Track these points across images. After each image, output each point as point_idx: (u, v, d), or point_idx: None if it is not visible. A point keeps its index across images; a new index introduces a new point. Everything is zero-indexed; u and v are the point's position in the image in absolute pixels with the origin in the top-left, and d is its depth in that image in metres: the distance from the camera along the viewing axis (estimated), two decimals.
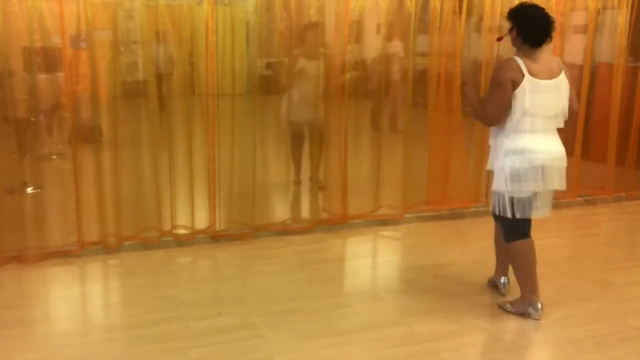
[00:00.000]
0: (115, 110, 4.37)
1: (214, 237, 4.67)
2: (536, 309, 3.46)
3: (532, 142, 3.30)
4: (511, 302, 3.59)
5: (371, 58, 5.19)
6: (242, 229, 4.73)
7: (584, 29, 5.69)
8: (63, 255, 4.26)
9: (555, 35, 5.36)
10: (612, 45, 5.82)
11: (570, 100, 3.41)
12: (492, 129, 3.47)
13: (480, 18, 5.28)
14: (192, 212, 4.60)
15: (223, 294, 3.82)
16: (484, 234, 5.06)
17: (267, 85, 5.03)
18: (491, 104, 3.34)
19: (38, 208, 4.39)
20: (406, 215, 5.20)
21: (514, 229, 3.44)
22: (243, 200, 4.76)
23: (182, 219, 4.61)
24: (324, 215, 5.06)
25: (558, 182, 3.37)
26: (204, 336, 3.26)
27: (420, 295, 3.82)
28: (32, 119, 4.33)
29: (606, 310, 3.67)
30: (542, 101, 3.28)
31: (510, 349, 3.25)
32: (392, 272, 4.33)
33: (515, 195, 3.33)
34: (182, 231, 4.60)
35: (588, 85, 5.69)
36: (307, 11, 4.77)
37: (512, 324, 3.47)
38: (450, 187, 5.37)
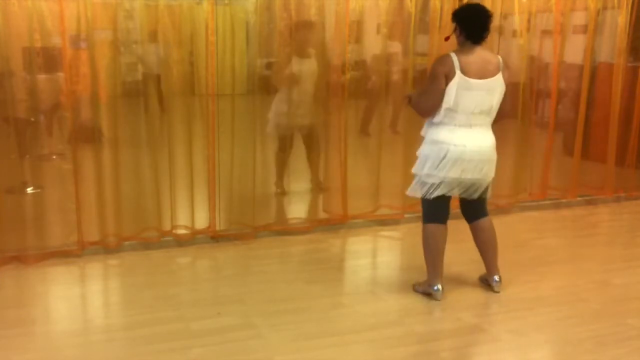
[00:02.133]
0: (115, 110, 4.37)
1: (214, 237, 4.67)
2: (437, 290, 3.69)
3: (451, 135, 3.52)
4: (419, 283, 3.83)
5: (371, 58, 5.19)
6: (242, 229, 4.73)
7: (584, 29, 5.69)
8: (63, 255, 4.26)
9: (555, 35, 5.44)
10: (612, 45, 5.82)
11: (505, 101, 3.62)
12: (426, 121, 3.68)
13: None
14: (192, 212, 4.60)
15: (223, 294, 3.82)
16: None
17: (267, 85, 5.03)
18: (426, 96, 3.57)
19: (38, 208, 4.40)
20: (406, 215, 5.20)
21: (429, 212, 3.70)
22: (243, 200, 4.76)
23: (182, 219, 4.61)
24: (324, 215, 5.06)
25: (477, 173, 3.58)
26: (204, 336, 3.26)
27: (420, 295, 3.82)
28: (32, 119, 4.34)
29: (606, 310, 3.67)
30: (470, 98, 3.47)
31: (510, 349, 3.25)
32: (392, 272, 4.33)
33: (426, 180, 3.61)
34: (182, 231, 4.61)
35: (588, 85, 5.69)
36: (307, 11, 4.77)
37: (512, 324, 3.47)
38: None
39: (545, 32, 5.56)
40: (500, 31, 5.39)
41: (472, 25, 3.52)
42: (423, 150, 3.64)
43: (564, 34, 5.49)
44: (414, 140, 5.19)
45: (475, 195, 3.71)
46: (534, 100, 5.65)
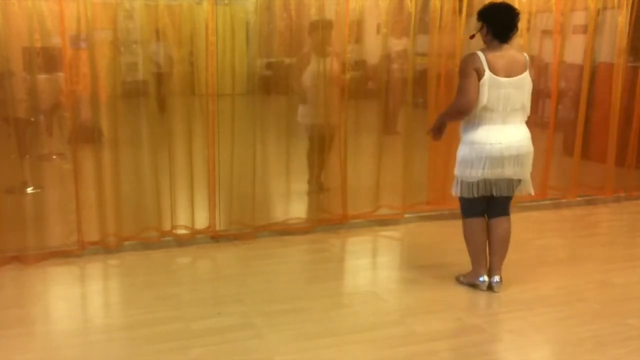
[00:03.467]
0: (115, 110, 4.37)
1: (214, 237, 4.67)
2: (482, 281, 3.80)
3: (485, 134, 3.59)
4: (464, 275, 3.92)
5: (371, 58, 5.18)
6: (242, 229, 4.73)
7: (584, 29, 5.69)
8: (63, 255, 4.26)
9: (555, 35, 5.44)
10: (612, 45, 5.82)
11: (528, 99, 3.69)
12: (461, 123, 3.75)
13: None
14: (192, 212, 4.60)
15: (223, 294, 3.82)
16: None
17: (267, 85, 5.02)
18: (464, 91, 3.57)
19: (38, 208, 4.40)
20: (406, 215, 5.20)
21: (467, 208, 3.81)
22: (243, 200, 4.76)
23: (182, 219, 4.61)
24: (324, 215, 5.06)
25: (512, 171, 3.64)
26: (204, 336, 3.26)
27: (420, 295, 3.82)
28: (32, 119, 4.33)
29: (606, 310, 3.67)
30: (501, 96, 3.55)
31: (510, 349, 3.25)
32: (392, 272, 4.33)
33: (464, 180, 3.69)
34: (182, 231, 4.61)
35: (588, 85, 5.69)
36: (307, 11, 4.77)
37: (512, 324, 3.47)
38: (451, 187, 5.35)
39: (545, 32, 5.56)
40: None
41: (500, 24, 3.56)
42: (460, 151, 3.70)
43: (564, 34, 5.49)
44: (414, 140, 5.23)
45: (509, 193, 3.76)
46: (533, 100, 5.64)
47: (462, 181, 3.71)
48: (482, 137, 3.59)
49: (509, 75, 3.56)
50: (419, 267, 4.29)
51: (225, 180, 4.70)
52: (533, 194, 3.89)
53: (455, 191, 3.80)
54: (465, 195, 3.72)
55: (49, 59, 4.13)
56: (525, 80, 3.61)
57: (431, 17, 5.05)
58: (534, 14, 5.40)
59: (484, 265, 3.83)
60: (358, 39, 4.96)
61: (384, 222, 5.12)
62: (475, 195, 3.70)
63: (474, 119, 3.61)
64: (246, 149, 4.71)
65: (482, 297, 3.80)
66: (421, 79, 5.23)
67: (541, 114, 6.06)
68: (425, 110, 5.24)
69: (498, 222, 3.82)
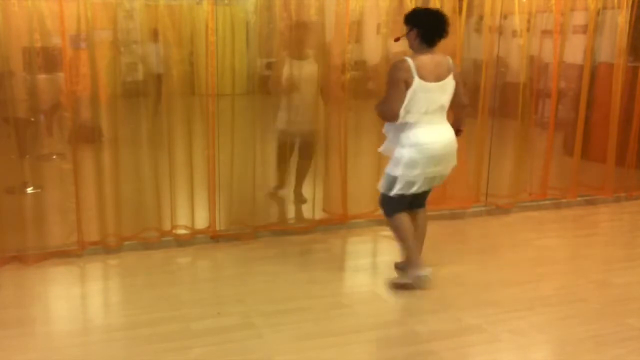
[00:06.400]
0: (115, 110, 4.37)
1: (214, 237, 4.67)
2: (420, 274, 3.81)
3: (424, 135, 3.68)
4: (402, 274, 3.96)
5: (371, 58, 5.18)
6: (242, 229, 4.73)
7: (584, 29, 5.69)
8: (63, 255, 4.26)
9: (555, 35, 5.43)
10: (612, 45, 5.82)
11: (459, 95, 3.81)
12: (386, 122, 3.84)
13: (480, 18, 5.28)
14: (192, 212, 4.60)
15: (223, 294, 3.82)
16: (484, 234, 5.08)
17: (267, 85, 5.02)
18: (389, 101, 3.66)
19: (38, 208, 4.39)
20: None
21: (396, 205, 3.85)
22: (243, 200, 4.76)
23: (182, 219, 4.61)
24: (324, 215, 5.06)
25: (447, 164, 3.81)
26: (204, 336, 3.26)
27: (420, 295, 3.82)
28: (32, 119, 4.33)
29: (606, 310, 3.67)
30: (428, 100, 3.65)
31: (510, 349, 3.25)
32: (392, 272, 4.33)
33: (403, 179, 3.73)
34: (182, 231, 4.61)
35: (588, 85, 5.69)
36: (307, 11, 4.77)
37: (512, 324, 3.47)
38: (450, 187, 5.37)
39: (545, 32, 5.56)
40: (500, 31, 5.38)
41: (431, 29, 3.65)
42: (405, 153, 3.71)
43: (564, 34, 5.49)
44: None
45: (436, 185, 3.93)
46: (534, 100, 5.66)
47: (405, 181, 3.72)
48: (423, 139, 3.67)
49: (436, 79, 3.65)
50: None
51: (225, 180, 4.70)
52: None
53: (389, 189, 3.80)
54: (405, 192, 3.76)
55: (49, 59, 4.13)
56: (449, 83, 3.71)
57: None
58: (534, 14, 5.40)
59: (417, 258, 3.89)
60: (358, 39, 4.96)
61: (384, 222, 5.09)
62: (413, 192, 3.78)
63: (409, 122, 3.67)
64: (246, 149, 4.71)
65: (482, 297, 3.80)
66: None
67: (541, 114, 6.07)
68: None
69: (417, 214, 3.98)
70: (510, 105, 5.54)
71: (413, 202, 3.94)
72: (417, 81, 3.57)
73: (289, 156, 5.11)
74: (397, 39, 3.85)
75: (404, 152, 3.70)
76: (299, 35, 4.80)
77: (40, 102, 4.26)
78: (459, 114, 3.97)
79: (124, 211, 4.43)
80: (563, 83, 5.86)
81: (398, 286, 3.91)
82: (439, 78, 3.66)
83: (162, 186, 4.51)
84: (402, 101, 3.60)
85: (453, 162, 3.85)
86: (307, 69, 4.89)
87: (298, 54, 4.87)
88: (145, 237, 4.50)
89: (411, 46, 3.74)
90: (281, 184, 5.20)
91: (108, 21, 4.19)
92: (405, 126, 3.69)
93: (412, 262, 3.87)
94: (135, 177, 4.47)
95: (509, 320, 3.51)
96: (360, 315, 3.55)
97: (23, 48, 4.10)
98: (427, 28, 3.65)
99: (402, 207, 3.87)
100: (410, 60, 3.59)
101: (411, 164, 3.68)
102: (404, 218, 3.86)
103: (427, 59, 3.64)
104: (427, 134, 3.67)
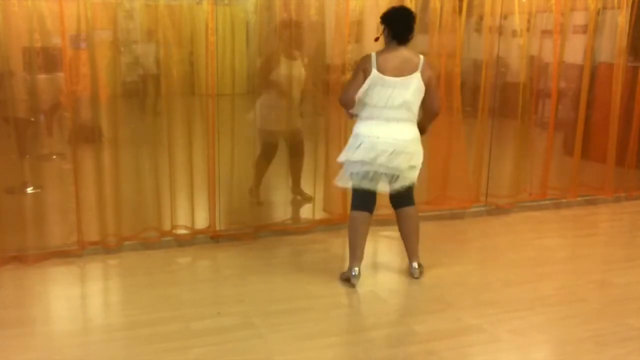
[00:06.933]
0: (115, 110, 4.37)
1: (214, 237, 4.67)
2: (353, 273, 3.91)
3: (368, 127, 3.79)
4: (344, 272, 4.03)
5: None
6: (242, 229, 4.73)
7: (584, 29, 5.69)
8: (63, 255, 4.26)
9: (555, 35, 5.43)
10: (612, 45, 5.82)
11: (431, 100, 3.86)
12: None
13: (480, 18, 5.29)
14: (192, 212, 4.60)
15: (223, 294, 3.82)
16: (484, 234, 5.08)
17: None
18: (346, 88, 3.88)
19: (38, 208, 4.39)
20: None
21: (353, 199, 3.95)
22: (243, 200, 4.76)
23: (182, 219, 4.61)
24: (324, 215, 5.06)
25: (390, 163, 3.77)
26: (204, 336, 3.26)
27: (420, 295, 3.82)
28: (32, 119, 4.33)
29: (606, 310, 3.67)
30: (385, 94, 3.73)
31: (510, 349, 3.25)
32: (392, 272, 4.33)
33: (347, 168, 3.88)
34: (182, 231, 4.61)
35: (588, 85, 5.69)
36: (307, 11, 4.77)
37: (512, 324, 3.47)
38: (450, 187, 5.37)
39: (545, 32, 5.56)
40: (500, 31, 5.38)
41: (398, 27, 3.78)
42: (348, 140, 3.90)
43: (564, 34, 5.49)
44: None
45: (398, 186, 3.88)
46: (534, 100, 5.66)
47: (350, 172, 3.86)
48: (364, 130, 3.79)
49: (397, 74, 3.73)
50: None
51: (225, 180, 4.70)
52: (409, 183, 3.93)
53: (338, 180, 3.96)
54: (357, 184, 3.87)
55: (49, 59, 4.13)
56: (412, 80, 3.75)
57: (431, 17, 5.05)
58: (534, 14, 5.40)
59: (356, 257, 3.97)
60: (358, 39, 4.96)
61: (384, 222, 5.10)
62: (354, 186, 3.88)
63: (361, 115, 3.82)
64: (246, 149, 4.71)
65: (482, 297, 3.81)
66: None
67: (541, 113, 6.07)
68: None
69: (404, 211, 4.03)
70: (510, 105, 5.54)
71: (394, 201, 4.02)
72: (374, 73, 3.70)
73: (272, 157, 5.11)
74: (376, 39, 3.94)
75: (349, 139, 3.88)
76: (292, 35, 4.80)
77: (40, 102, 4.26)
78: (425, 118, 3.97)
79: (124, 211, 4.43)
80: (563, 83, 5.86)
81: (343, 278, 4.02)
82: (401, 74, 3.74)
83: (162, 186, 4.51)
84: (357, 89, 3.74)
85: (410, 162, 3.82)
86: (297, 70, 4.90)
87: (289, 54, 4.88)
88: (145, 237, 4.50)
89: (385, 44, 3.87)
90: (258, 184, 5.12)
91: (108, 21, 4.19)
92: (361, 117, 3.84)
93: (350, 258, 3.97)
94: (135, 177, 4.47)
95: (509, 320, 3.51)
96: (360, 315, 3.55)
97: (23, 48, 4.10)
98: (393, 26, 3.79)
99: (362, 205, 3.93)
100: (374, 55, 3.76)
101: (348, 149, 3.81)
102: (356, 216, 3.93)
103: (393, 54, 3.76)
104: (371, 127, 3.78)
